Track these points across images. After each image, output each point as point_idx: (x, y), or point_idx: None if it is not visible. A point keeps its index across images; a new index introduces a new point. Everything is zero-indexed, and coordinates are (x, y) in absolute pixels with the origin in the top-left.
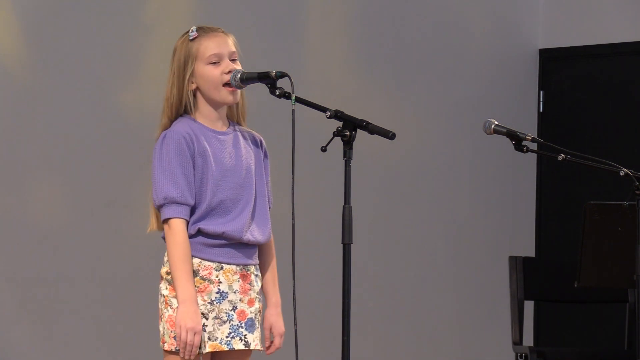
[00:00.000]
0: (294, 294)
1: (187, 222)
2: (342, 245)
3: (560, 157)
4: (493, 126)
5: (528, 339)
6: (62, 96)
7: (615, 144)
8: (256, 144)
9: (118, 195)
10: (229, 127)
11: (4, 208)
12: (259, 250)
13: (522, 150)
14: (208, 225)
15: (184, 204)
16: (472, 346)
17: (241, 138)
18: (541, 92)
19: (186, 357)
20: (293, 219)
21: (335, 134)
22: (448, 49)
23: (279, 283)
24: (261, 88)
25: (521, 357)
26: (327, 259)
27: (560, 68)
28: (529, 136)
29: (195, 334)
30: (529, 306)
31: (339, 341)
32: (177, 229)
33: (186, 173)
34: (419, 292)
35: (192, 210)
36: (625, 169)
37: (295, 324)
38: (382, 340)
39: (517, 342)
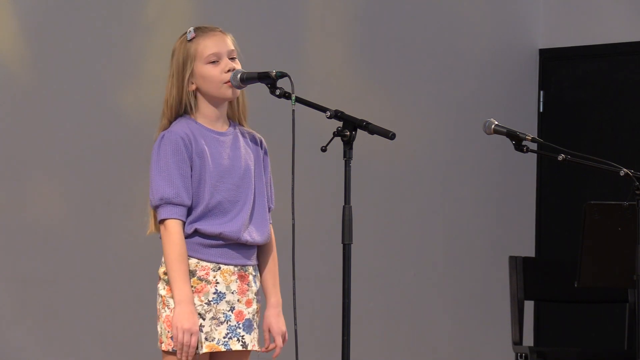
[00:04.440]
0: (294, 294)
1: (184, 223)
2: (342, 245)
3: (560, 157)
4: (493, 126)
5: (528, 339)
6: (62, 96)
7: (615, 144)
8: (256, 143)
9: (118, 195)
10: (229, 127)
11: (4, 208)
12: (258, 250)
13: (522, 150)
14: (205, 226)
15: (179, 205)
16: (472, 346)
17: (241, 138)
18: (541, 92)
19: (183, 358)
20: (293, 219)
21: (335, 134)
22: (448, 49)
23: (279, 283)
24: (261, 88)
25: (521, 357)
26: (327, 259)
27: (560, 68)
28: (529, 136)
29: (192, 334)
30: (529, 306)
31: (339, 341)
32: (173, 230)
33: (183, 173)
34: (419, 292)
35: (190, 211)
36: (625, 169)
37: (295, 324)
38: (382, 340)
39: (517, 342)
